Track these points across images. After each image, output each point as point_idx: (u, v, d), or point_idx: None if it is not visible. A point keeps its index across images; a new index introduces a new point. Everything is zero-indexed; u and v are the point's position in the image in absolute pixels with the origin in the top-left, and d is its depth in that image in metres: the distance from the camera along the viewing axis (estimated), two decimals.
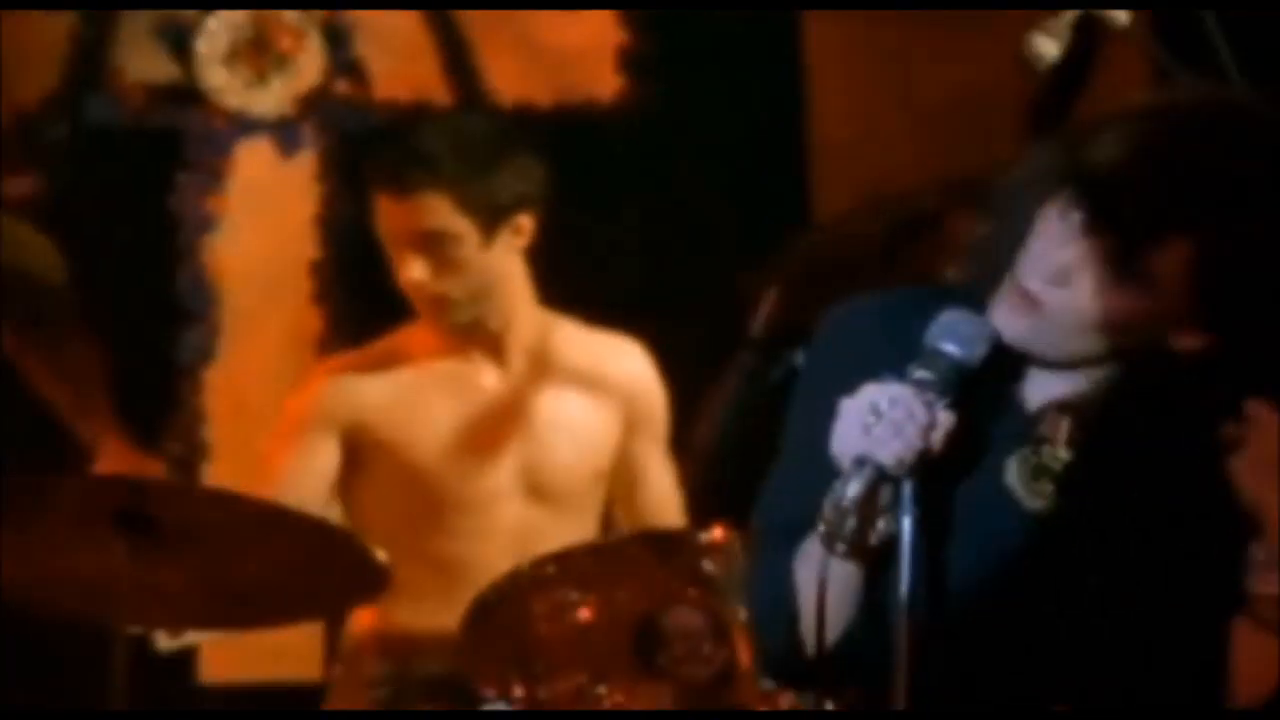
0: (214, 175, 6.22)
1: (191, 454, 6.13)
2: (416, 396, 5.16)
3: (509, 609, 4.04)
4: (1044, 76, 5.32)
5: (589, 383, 5.23)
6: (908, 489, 3.19)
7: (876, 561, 3.23)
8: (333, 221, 6.24)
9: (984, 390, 3.26)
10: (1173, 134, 3.24)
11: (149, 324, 6.14)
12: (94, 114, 6.15)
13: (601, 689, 3.85)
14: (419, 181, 5.02)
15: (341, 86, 6.26)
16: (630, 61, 6.23)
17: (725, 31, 6.25)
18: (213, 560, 4.24)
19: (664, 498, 5.18)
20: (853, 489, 3.18)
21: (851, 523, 3.19)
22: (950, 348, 3.20)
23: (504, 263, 5.09)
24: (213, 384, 6.21)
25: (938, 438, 3.18)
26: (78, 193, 5.46)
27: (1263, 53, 4.40)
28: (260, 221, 6.24)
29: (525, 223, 5.08)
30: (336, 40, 6.25)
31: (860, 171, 6.03)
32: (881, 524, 3.20)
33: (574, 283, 5.26)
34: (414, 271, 5.03)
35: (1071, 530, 3.24)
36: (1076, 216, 3.20)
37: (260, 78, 6.22)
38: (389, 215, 5.09)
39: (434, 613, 4.69)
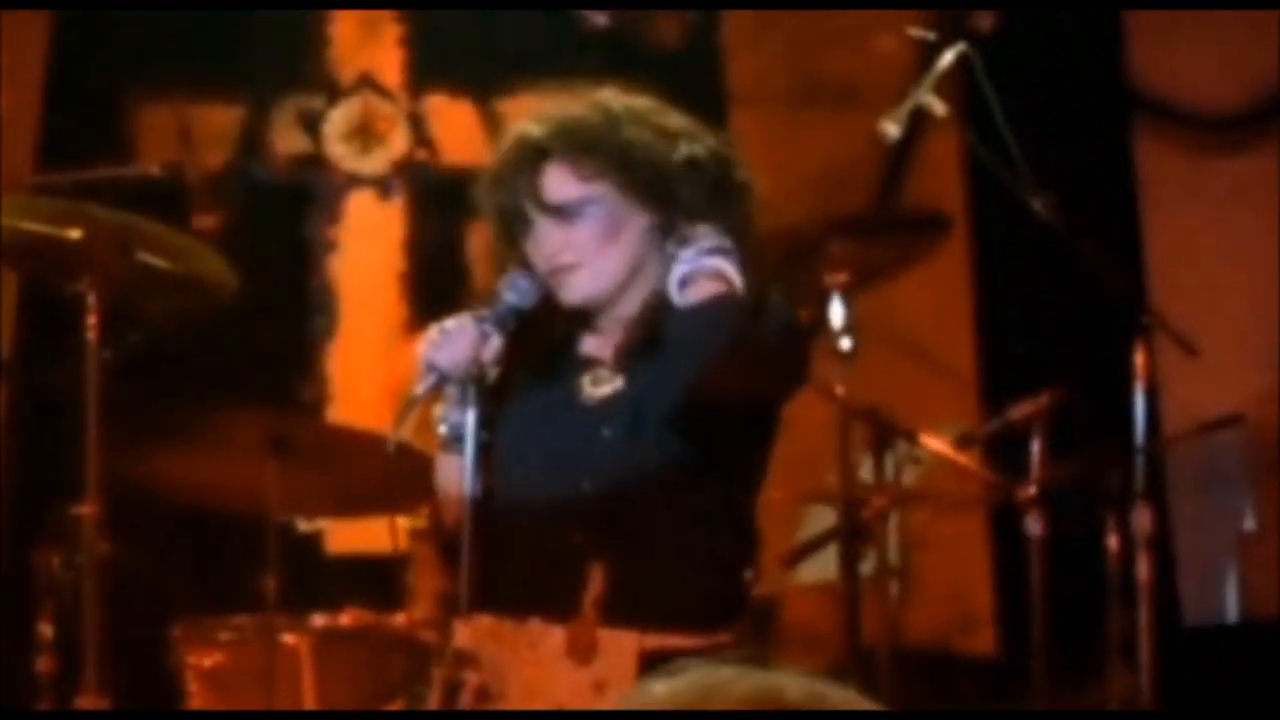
0: (334, 214, 6.22)
1: (319, 398, 6.10)
2: None
3: None
4: (889, 150, 5.32)
5: None
6: (470, 391, 3.07)
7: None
8: (414, 245, 6.20)
9: (567, 339, 3.24)
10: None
11: (291, 312, 6.13)
12: (256, 174, 6.17)
13: None
14: None
15: (420, 155, 6.22)
16: None
17: None
18: (333, 470, 4.28)
19: None
20: (420, 388, 3.08)
21: (414, 415, 3.10)
22: (508, 295, 3.18)
23: None
24: (333, 353, 6.17)
25: (487, 352, 3.10)
26: (245, 226, 5.43)
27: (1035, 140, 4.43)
28: (365, 245, 6.23)
29: None
30: (417, 124, 6.22)
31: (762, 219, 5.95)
32: (454, 417, 3.14)
33: None
34: None
35: (606, 408, 3.17)
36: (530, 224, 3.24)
37: (366, 149, 6.21)
38: (484, 236, 5.09)
39: None
